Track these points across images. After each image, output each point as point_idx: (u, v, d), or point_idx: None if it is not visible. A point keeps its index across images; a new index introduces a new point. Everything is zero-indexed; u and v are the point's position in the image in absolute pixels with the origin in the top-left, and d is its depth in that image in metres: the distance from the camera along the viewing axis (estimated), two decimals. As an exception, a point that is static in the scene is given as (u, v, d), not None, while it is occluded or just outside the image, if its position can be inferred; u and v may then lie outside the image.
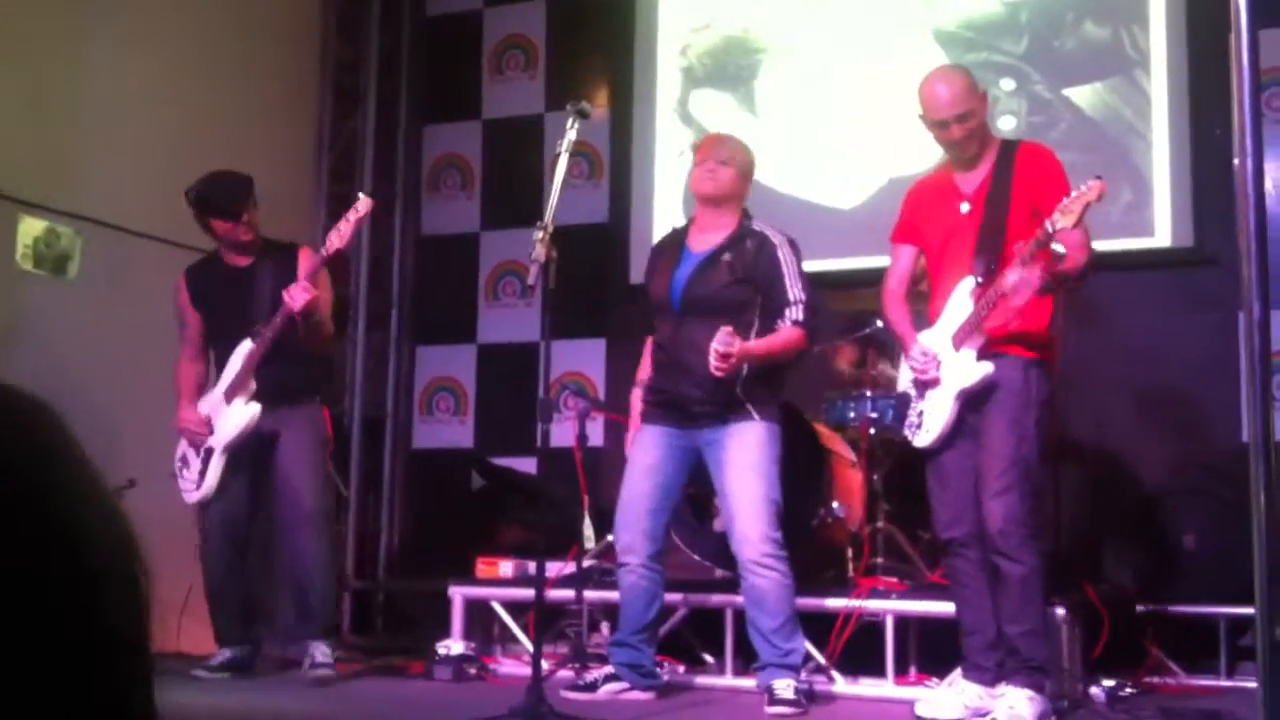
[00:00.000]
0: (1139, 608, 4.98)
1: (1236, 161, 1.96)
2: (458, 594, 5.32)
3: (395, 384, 7.36)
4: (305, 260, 4.96)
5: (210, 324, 5.07)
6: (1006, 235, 3.96)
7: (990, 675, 4.01)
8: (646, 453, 4.41)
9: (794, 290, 4.34)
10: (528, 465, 6.47)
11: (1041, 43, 6.30)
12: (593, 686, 4.37)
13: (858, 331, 5.58)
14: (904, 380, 4.21)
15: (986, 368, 3.93)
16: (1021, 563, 3.86)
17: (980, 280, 3.94)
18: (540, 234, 3.77)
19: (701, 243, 4.47)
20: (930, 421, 4.03)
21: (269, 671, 5.05)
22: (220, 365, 5.04)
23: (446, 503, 7.05)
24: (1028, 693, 3.85)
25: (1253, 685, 1.81)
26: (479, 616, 5.37)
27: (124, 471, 4.50)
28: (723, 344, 4.08)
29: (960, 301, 4.01)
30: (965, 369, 3.96)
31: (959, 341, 3.97)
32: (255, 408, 4.87)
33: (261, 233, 5.10)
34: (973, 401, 3.97)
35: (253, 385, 4.89)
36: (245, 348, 4.90)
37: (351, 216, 4.70)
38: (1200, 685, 4.79)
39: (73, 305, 5.37)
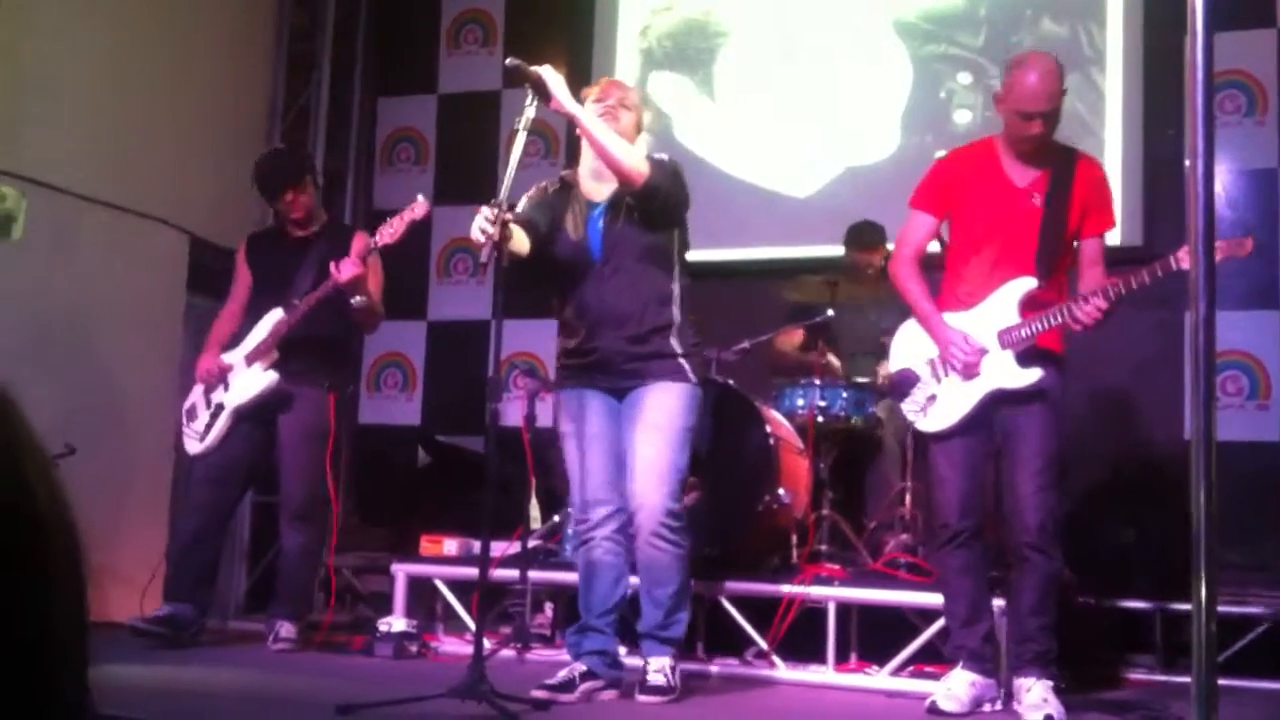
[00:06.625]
0: (1078, 601, 5.03)
1: (1188, 163, 1.97)
2: (401, 571, 5.31)
3: (343, 358, 7.30)
4: (359, 241, 5.04)
5: (255, 288, 5.20)
6: (1066, 242, 3.95)
7: (988, 665, 4.05)
8: (589, 422, 4.12)
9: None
10: (475, 444, 6.44)
11: (1000, 37, 6.34)
12: (569, 686, 3.94)
13: (806, 320, 5.58)
14: (908, 358, 4.11)
15: (1036, 374, 3.88)
16: (1054, 558, 3.91)
17: (1042, 285, 3.90)
18: (495, 211, 3.74)
19: (598, 192, 4.19)
20: (945, 409, 3.98)
21: (209, 642, 5.01)
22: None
23: (392, 479, 7.01)
24: (1050, 684, 3.88)
25: (1187, 680, 1.83)
26: (422, 594, 5.36)
27: (65, 437, 4.43)
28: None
29: (1008, 298, 3.94)
30: (1009, 371, 3.91)
31: (1006, 342, 3.92)
32: (273, 376, 4.98)
33: (321, 213, 5.32)
34: (1003, 400, 3.93)
35: (275, 354, 4.99)
36: (275, 315, 5.00)
37: (406, 215, 4.73)
38: (1135, 679, 4.86)
39: (15, 267, 5.28)
